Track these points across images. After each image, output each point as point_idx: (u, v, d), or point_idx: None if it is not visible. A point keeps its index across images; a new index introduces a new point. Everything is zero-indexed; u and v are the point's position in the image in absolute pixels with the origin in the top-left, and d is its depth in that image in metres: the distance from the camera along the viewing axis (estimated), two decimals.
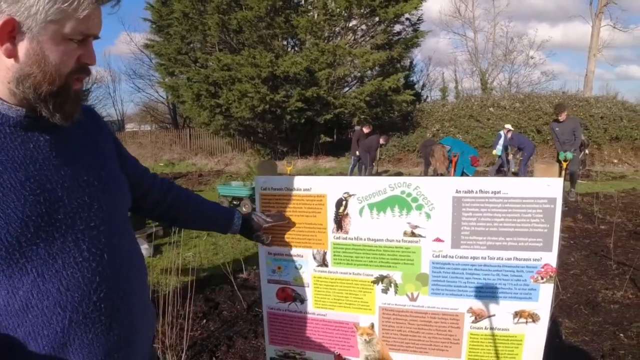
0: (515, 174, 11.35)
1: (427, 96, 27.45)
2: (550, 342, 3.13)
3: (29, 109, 0.86)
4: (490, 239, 1.37)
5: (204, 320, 3.39)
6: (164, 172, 16.60)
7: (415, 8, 16.48)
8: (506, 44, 29.44)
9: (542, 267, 1.37)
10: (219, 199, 8.61)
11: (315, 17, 15.82)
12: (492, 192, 1.34)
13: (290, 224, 1.56)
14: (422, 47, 21.44)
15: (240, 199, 8.46)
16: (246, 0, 15.32)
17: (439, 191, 1.39)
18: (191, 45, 17.49)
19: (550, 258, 1.37)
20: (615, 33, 25.72)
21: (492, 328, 1.45)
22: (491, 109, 17.45)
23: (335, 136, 20.94)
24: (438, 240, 1.41)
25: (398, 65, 17.87)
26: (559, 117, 7.84)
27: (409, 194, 1.41)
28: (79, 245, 0.87)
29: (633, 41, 40.66)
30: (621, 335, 3.29)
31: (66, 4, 0.80)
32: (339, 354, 1.61)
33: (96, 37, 0.90)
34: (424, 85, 28.82)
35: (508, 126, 11.42)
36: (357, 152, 11.37)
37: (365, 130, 11.37)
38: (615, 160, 16.23)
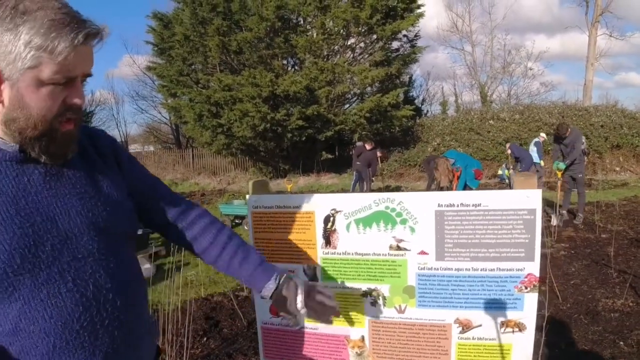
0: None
1: (427, 110, 27.64)
2: (550, 353, 3.15)
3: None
4: (473, 250, 1.41)
5: (205, 338, 3.42)
6: None
7: (412, 25, 16.75)
8: (504, 57, 29.71)
9: (526, 277, 1.41)
10: (221, 217, 8.66)
11: (314, 36, 16.07)
12: (473, 205, 1.39)
13: (283, 243, 1.61)
14: (420, 63, 21.68)
15: (242, 217, 8.51)
16: (246, 22, 15.61)
17: (421, 205, 1.43)
18: (193, 66, 17.76)
19: (533, 268, 1.40)
20: (612, 42, 25.97)
21: (479, 338, 1.48)
22: (491, 121, 17.54)
23: (336, 153, 21.05)
24: (423, 253, 1.45)
25: (397, 81, 18.07)
26: (565, 135, 7.47)
27: (393, 209, 1.46)
28: (64, 276, 0.90)
29: (630, 49, 40.89)
30: (621, 343, 3.29)
31: (40, 50, 0.81)
32: None
33: (86, 76, 0.91)
34: (424, 100, 29.04)
35: (543, 135, 11.39)
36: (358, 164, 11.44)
37: (368, 147, 11.43)
38: (618, 168, 16.23)
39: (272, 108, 15.40)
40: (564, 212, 7.82)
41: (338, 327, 1.59)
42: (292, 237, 1.59)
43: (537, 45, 39.43)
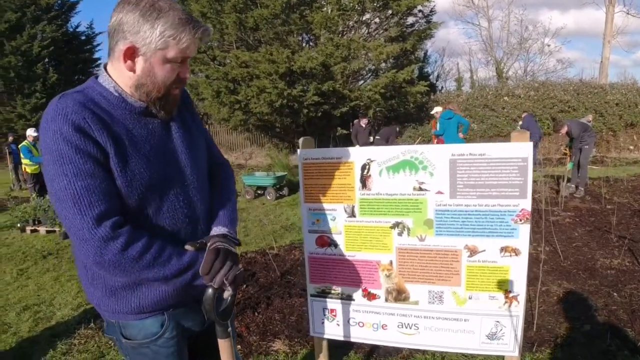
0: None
1: (442, 87, 27.69)
2: (549, 300, 3.55)
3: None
4: (479, 190, 1.81)
5: (244, 286, 3.88)
6: None
7: (428, 0, 16.76)
8: (521, 32, 29.53)
9: (520, 211, 1.80)
10: (244, 188, 9.12)
11: (330, 12, 16.20)
12: (479, 155, 1.78)
13: (328, 187, 2.02)
14: (435, 38, 21.73)
15: (264, 187, 8.96)
16: None
17: (439, 155, 1.83)
18: (209, 43, 18.02)
19: (526, 204, 1.79)
20: (629, 19, 25.56)
21: (484, 261, 1.89)
22: (506, 97, 17.64)
23: (351, 128, 21.33)
24: (439, 192, 1.86)
25: (412, 57, 18.16)
26: (560, 131, 8.70)
27: (417, 158, 1.86)
28: (178, 197, 1.27)
29: None
30: (615, 294, 3.68)
31: (170, 38, 1.15)
32: (366, 287, 2.07)
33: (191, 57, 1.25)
34: (438, 76, 29.08)
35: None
36: (358, 146, 11.84)
37: (363, 123, 11.85)
38: (632, 147, 16.31)
39: (288, 84, 15.68)
40: (572, 185, 8.22)
41: (371, 254, 2.02)
42: (335, 182, 2.00)
43: (554, 21, 38.87)
